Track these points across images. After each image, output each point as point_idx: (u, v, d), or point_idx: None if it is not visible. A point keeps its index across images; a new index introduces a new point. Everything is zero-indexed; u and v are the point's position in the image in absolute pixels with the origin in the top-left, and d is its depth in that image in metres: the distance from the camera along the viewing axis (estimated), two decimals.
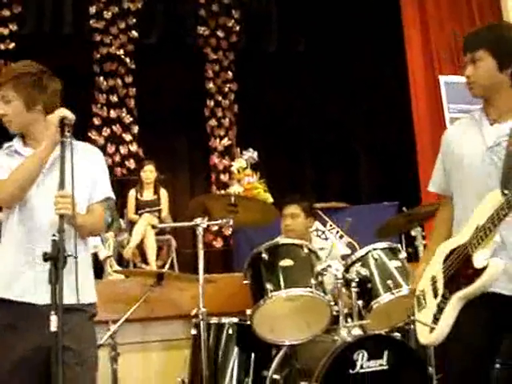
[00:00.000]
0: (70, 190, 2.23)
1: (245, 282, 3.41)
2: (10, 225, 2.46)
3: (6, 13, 7.78)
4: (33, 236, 2.40)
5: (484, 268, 2.24)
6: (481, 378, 2.38)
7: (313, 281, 3.24)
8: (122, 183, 7.44)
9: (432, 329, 2.45)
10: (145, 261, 6.25)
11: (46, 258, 2.11)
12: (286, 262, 3.28)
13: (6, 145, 2.56)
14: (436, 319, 2.43)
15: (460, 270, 2.36)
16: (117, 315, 3.62)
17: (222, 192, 7.13)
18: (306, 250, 3.36)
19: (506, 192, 2.21)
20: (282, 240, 3.58)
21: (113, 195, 2.66)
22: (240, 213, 3.45)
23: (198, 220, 3.27)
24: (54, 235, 2.13)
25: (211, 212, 3.38)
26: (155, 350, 4.52)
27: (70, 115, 2.38)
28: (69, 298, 2.21)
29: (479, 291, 2.29)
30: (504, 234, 2.29)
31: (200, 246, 3.24)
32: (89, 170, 2.56)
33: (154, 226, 5.71)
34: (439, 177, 2.61)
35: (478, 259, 2.27)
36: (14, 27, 7.78)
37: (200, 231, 3.25)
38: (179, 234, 7.02)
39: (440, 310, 2.43)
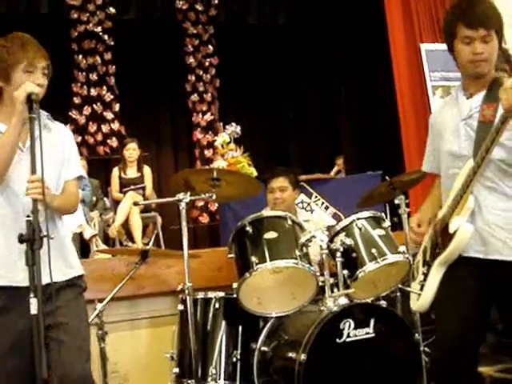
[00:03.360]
0: (40, 170, 2.20)
1: (230, 255, 3.40)
2: None
3: None
4: (20, 219, 2.33)
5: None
6: (469, 347, 2.42)
7: (298, 252, 3.23)
8: (105, 162, 7.39)
9: (419, 296, 2.56)
10: (131, 239, 6.24)
11: (21, 239, 2.09)
12: (271, 235, 3.27)
13: None
14: (422, 286, 2.56)
15: (441, 239, 2.48)
16: (104, 294, 3.61)
17: (204, 167, 7.08)
18: (289, 222, 3.35)
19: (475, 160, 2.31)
20: (265, 213, 3.56)
21: (84, 174, 2.67)
22: (223, 187, 3.42)
23: (181, 195, 3.24)
24: (28, 216, 2.11)
25: (194, 187, 3.35)
26: (143, 327, 4.51)
27: (36, 89, 2.32)
28: (57, 276, 2.25)
29: (454, 255, 2.42)
30: (480, 199, 2.38)
31: (183, 221, 3.22)
32: (60, 149, 2.54)
33: (136, 203, 5.68)
34: (430, 156, 2.70)
35: (452, 225, 2.40)
36: None
37: (183, 206, 3.22)
38: (165, 211, 7.01)
39: (425, 277, 2.55)
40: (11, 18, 7.54)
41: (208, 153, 8.07)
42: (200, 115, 8.30)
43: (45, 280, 2.10)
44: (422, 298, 2.54)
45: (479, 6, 2.37)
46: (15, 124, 2.33)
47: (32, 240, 2.09)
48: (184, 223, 3.22)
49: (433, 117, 2.71)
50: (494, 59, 2.40)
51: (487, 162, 2.29)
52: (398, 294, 3.85)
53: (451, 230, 2.39)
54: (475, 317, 2.42)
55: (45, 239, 2.11)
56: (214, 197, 3.30)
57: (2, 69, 2.39)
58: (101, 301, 3.53)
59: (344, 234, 3.43)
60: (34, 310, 2.06)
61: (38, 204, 2.17)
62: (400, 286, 3.58)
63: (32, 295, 2.06)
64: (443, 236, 2.46)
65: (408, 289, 2.77)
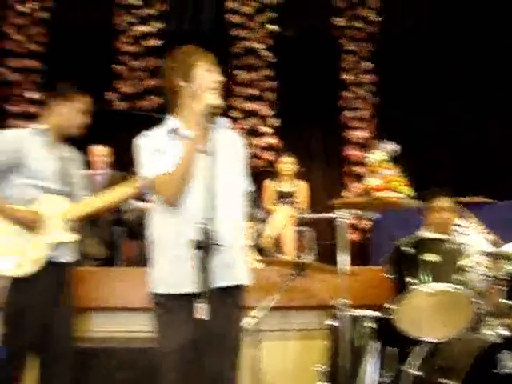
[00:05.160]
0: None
1: (386, 275, 3.38)
2: (163, 215, 2.54)
3: (152, 11, 8.23)
4: (186, 225, 2.42)
5: None
6: None
7: (457, 276, 3.17)
8: (260, 174, 7.59)
9: None
10: (282, 251, 6.34)
11: (197, 245, 2.16)
12: (430, 257, 3.23)
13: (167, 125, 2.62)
14: None
15: None
16: (257, 302, 3.71)
17: (362, 185, 7.00)
18: (450, 245, 3.29)
19: None
20: (425, 234, 3.52)
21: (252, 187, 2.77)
22: (381, 206, 3.42)
23: (342, 212, 3.29)
24: (203, 223, 2.17)
25: (354, 205, 3.38)
26: (292, 339, 4.59)
27: (217, 102, 2.43)
28: (223, 282, 2.37)
29: None
30: None
31: (342, 238, 3.25)
32: (238, 156, 2.67)
33: (300, 217, 5.77)
34: None
35: None
36: (157, 25, 8.21)
37: (343, 223, 3.26)
38: (315, 226, 7.06)
39: None
40: (175, 35, 8.04)
41: (360, 169, 8.03)
42: (353, 132, 8.30)
43: (212, 285, 2.17)
44: None
45: None
46: (198, 136, 2.45)
47: (206, 247, 2.16)
48: (343, 239, 3.25)
49: None
50: None
51: None
52: None
53: None
54: None
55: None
56: (375, 216, 3.30)
57: (185, 69, 2.57)
58: (256, 309, 3.64)
59: (509, 261, 3.30)
60: (201, 315, 2.13)
61: (212, 211, 2.22)
62: None
63: (200, 300, 2.13)
64: None
65: None
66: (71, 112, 3.37)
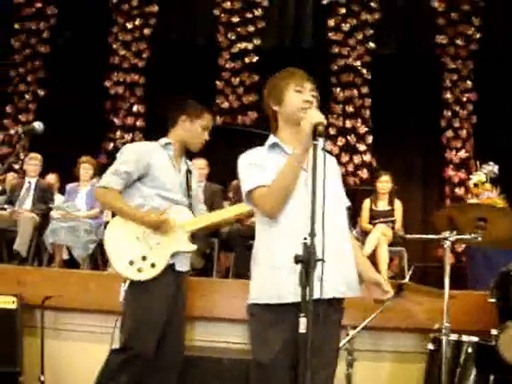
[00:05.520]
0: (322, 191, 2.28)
1: (490, 300, 3.28)
2: (267, 229, 2.57)
3: (251, 28, 8.39)
4: (289, 239, 2.44)
5: None
6: None
7: None
8: (355, 192, 7.54)
9: None
10: (376, 270, 6.26)
11: (297, 260, 2.17)
12: None
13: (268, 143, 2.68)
14: None
15: None
16: (352, 321, 3.67)
17: (472, 201, 6.81)
18: None
19: None
20: None
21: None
22: (489, 229, 3.30)
23: (447, 233, 3.22)
24: (305, 238, 2.18)
25: (458, 226, 3.29)
26: (386, 361, 4.51)
27: (321, 120, 2.41)
28: (330, 293, 2.36)
29: None
30: None
31: (447, 260, 3.18)
32: (337, 176, 2.69)
33: (400, 237, 5.70)
34: None
35: None
36: (257, 41, 8.36)
37: (448, 245, 3.19)
38: (408, 247, 6.93)
39: None
40: (276, 52, 8.15)
41: (459, 191, 7.82)
42: (454, 152, 8.10)
43: (316, 296, 2.16)
44: None
45: None
46: (301, 153, 2.46)
47: (307, 262, 2.16)
48: (447, 262, 3.18)
49: None
50: None
51: None
52: None
53: None
54: None
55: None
56: (480, 239, 3.21)
57: (276, 94, 2.63)
58: (353, 327, 3.61)
59: None
60: (303, 329, 2.12)
61: (316, 225, 2.21)
62: None
63: (302, 315, 2.13)
64: None
65: None
66: (197, 129, 3.56)
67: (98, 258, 6.30)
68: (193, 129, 3.55)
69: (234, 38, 8.42)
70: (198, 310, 4.36)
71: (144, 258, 3.34)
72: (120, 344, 3.39)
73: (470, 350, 3.38)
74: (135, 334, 3.31)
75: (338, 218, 2.60)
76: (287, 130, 2.64)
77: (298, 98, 2.59)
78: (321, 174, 2.28)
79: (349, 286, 2.57)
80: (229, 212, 3.61)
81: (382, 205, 6.62)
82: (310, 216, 2.23)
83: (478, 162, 6.94)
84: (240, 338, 4.28)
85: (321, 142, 2.40)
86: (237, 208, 3.56)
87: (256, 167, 2.57)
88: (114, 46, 8.54)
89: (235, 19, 8.42)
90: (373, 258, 6.21)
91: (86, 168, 6.66)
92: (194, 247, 3.51)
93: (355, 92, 8.22)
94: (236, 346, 4.22)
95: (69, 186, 6.72)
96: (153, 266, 3.34)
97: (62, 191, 7.04)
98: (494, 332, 3.13)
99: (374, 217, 6.51)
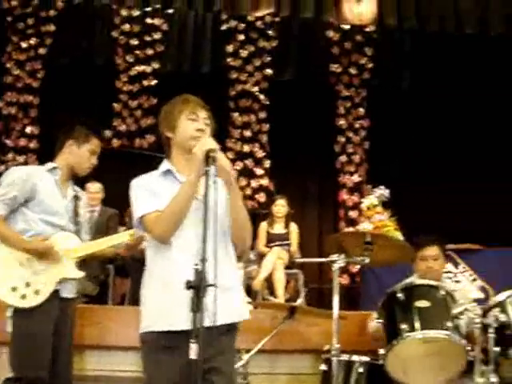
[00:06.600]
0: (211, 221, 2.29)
1: (378, 321, 3.39)
2: (157, 255, 2.58)
3: (150, 51, 8.36)
4: (180, 265, 2.46)
5: None
6: None
7: (449, 324, 3.17)
8: (252, 216, 7.60)
9: None
10: (272, 293, 6.33)
11: (189, 286, 2.17)
12: (422, 303, 3.24)
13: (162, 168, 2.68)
14: None
15: None
16: (247, 344, 3.70)
17: (358, 229, 7.06)
18: (442, 292, 3.30)
19: None
20: (418, 280, 3.53)
21: None
22: (375, 251, 3.44)
23: (335, 256, 3.31)
24: (196, 264, 2.18)
25: (346, 249, 3.40)
26: (282, 383, 4.56)
27: (213, 146, 2.44)
28: (221, 319, 2.34)
29: None
30: None
31: (335, 282, 3.27)
32: (223, 202, 2.66)
33: (292, 261, 5.80)
34: None
35: None
36: (156, 65, 8.34)
37: (336, 268, 3.28)
38: (305, 269, 7.06)
39: None
40: (175, 76, 8.16)
41: (353, 214, 8.05)
42: (347, 176, 8.36)
43: (207, 323, 2.16)
44: None
45: None
46: (194, 181, 2.48)
47: (198, 288, 2.15)
48: (336, 284, 3.27)
49: None
50: None
51: None
52: None
53: None
54: None
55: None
56: (367, 261, 3.33)
57: (170, 121, 2.65)
58: (246, 351, 3.63)
59: (498, 309, 3.31)
60: (193, 355, 2.11)
61: (207, 252, 2.21)
62: None
63: (193, 340, 2.11)
64: None
65: None
66: (85, 153, 3.51)
67: None
68: (80, 153, 3.51)
69: (132, 60, 8.34)
70: (92, 339, 4.25)
71: (28, 285, 3.27)
72: (13, 373, 3.26)
73: (360, 370, 3.47)
74: (25, 362, 3.22)
75: (228, 244, 2.63)
76: (180, 156, 2.65)
77: (190, 126, 2.61)
78: (210, 201, 2.30)
79: (237, 310, 2.60)
80: (115, 239, 3.57)
81: (278, 228, 6.73)
82: (201, 242, 2.23)
83: (370, 186, 7.21)
84: (135, 366, 4.20)
85: (213, 168, 2.42)
86: (122, 235, 3.55)
87: (147, 192, 2.57)
88: (8, 65, 8.24)
89: (134, 42, 8.35)
90: (269, 280, 6.29)
91: None
92: (82, 274, 3.46)
93: (253, 117, 8.32)
94: (133, 375, 4.13)
95: None
96: (37, 292, 3.27)
97: None
98: (381, 351, 3.23)
99: (271, 240, 6.60)
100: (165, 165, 2.68)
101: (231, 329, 2.59)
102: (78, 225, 3.52)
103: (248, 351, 3.64)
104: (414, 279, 3.74)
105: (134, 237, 3.39)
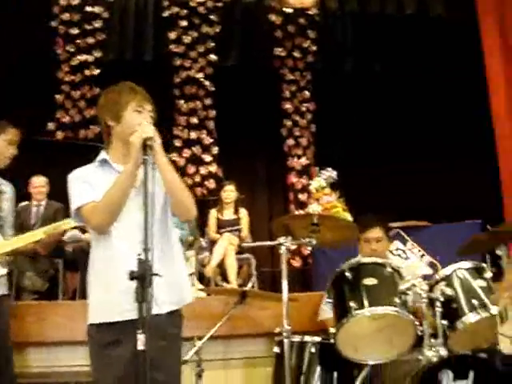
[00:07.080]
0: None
1: (328, 300, 3.43)
2: (100, 246, 2.57)
3: (91, 40, 8.20)
4: (122, 256, 2.46)
5: None
6: None
7: (397, 300, 3.22)
8: (202, 203, 7.59)
9: None
10: (225, 279, 6.34)
11: (132, 277, 2.15)
12: (370, 281, 3.28)
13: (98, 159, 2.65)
14: None
15: None
16: (201, 331, 3.70)
17: (303, 212, 7.14)
18: (389, 269, 3.35)
19: None
20: (364, 259, 3.58)
21: None
22: (322, 232, 3.47)
23: (282, 239, 3.33)
24: (138, 254, 2.17)
25: (294, 232, 3.42)
26: (237, 367, 4.58)
27: (151, 134, 2.42)
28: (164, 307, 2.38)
29: None
30: None
31: (283, 265, 3.29)
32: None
33: (240, 246, 5.81)
34: None
35: None
36: (98, 54, 8.18)
37: (284, 250, 3.30)
38: (257, 253, 7.09)
39: None
40: (118, 64, 8.02)
41: (302, 196, 8.12)
42: (295, 159, 8.41)
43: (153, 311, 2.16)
44: None
45: None
46: (132, 170, 2.45)
47: (142, 278, 2.14)
48: (284, 267, 3.29)
49: None
50: None
51: None
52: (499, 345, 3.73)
53: None
54: None
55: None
56: (314, 242, 3.35)
57: (115, 110, 2.59)
58: (199, 338, 3.62)
59: (444, 283, 3.39)
60: (141, 345, 2.10)
61: (149, 240, 2.20)
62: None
63: (140, 331, 2.10)
64: None
65: (504, 334, 2.69)
66: (2, 144, 3.44)
67: None
68: None
69: (73, 50, 8.16)
70: (38, 335, 4.19)
71: None
72: None
73: (313, 350, 3.51)
74: None
75: (167, 234, 2.64)
76: (119, 147, 2.62)
77: (136, 118, 2.57)
78: (149, 190, 2.28)
79: (180, 295, 2.61)
80: (38, 234, 3.45)
81: (228, 214, 6.73)
82: (143, 231, 2.21)
83: (318, 168, 7.27)
84: (84, 361, 4.15)
85: (150, 157, 2.40)
86: (46, 229, 3.45)
87: (84, 184, 2.55)
88: None
89: (74, 31, 8.17)
90: (221, 267, 6.30)
91: None
92: (4, 271, 3.36)
93: (199, 104, 8.28)
94: (82, 369, 4.08)
95: None
96: None
97: None
98: (332, 330, 3.27)
99: (221, 226, 6.60)
100: (102, 154, 2.65)
101: (176, 314, 2.60)
102: (0, 220, 3.43)
103: (201, 338, 3.63)
104: (361, 257, 3.80)
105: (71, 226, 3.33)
